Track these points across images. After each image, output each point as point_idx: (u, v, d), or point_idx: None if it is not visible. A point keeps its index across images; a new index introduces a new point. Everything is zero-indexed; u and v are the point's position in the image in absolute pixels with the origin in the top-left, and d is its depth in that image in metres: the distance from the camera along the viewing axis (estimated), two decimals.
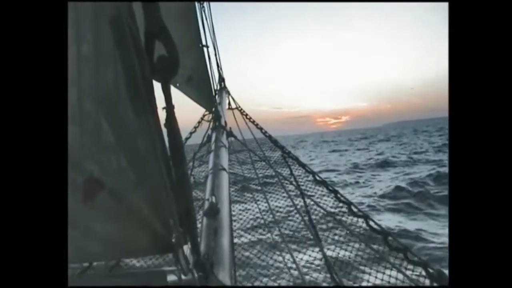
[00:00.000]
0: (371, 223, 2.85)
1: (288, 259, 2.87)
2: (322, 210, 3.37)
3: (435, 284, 2.27)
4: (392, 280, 2.63)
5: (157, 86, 1.05)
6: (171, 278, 1.16)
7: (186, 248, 1.15)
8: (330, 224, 3.38)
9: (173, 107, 1.09)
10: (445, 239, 7.99)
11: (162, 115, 1.06)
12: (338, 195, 3.28)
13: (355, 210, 3.05)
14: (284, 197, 3.68)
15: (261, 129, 4.62)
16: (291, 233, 3.66)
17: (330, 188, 3.43)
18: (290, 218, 3.83)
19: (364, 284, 3.06)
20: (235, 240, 3.68)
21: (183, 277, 1.14)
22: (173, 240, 1.07)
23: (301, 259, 3.22)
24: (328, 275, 3.01)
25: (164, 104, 1.08)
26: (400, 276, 2.49)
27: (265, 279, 3.50)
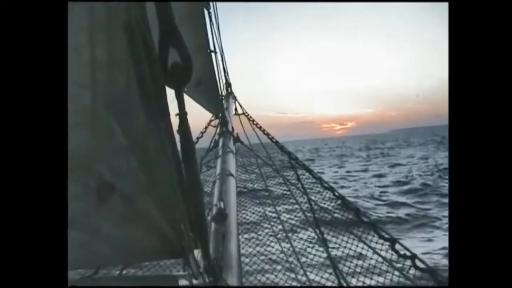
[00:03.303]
0: (379, 230, 2.84)
1: (296, 265, 2.87)
2: (329, 216, 3.36)
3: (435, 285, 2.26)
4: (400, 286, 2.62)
5: (169, 92, 1.06)
6: (182, 282, 1.16)
7: (197, 253, 1.15)
8: (337, 230, 3.37)
9: (186, 113, 1.09)
10: None
11: (174, 120, 1.07)
12: (345, 201, 3.27)
13: (362, 216, 3.04)
14: (291, 202, 3.68)
15: (267, 134, 4.62)
16: (298, 238, 3.65)
17: (337, 194, 3.43)
18: (296, 223, 3.82)
19: None
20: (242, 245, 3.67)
21: (194, 281, 1.14)
22: (184, 245, 1.07)
23: (308, 265, 3.21)
24: (336, 281, 3.00)
25: (177, 110, 1.09)
26: (408, 283, 2.47)
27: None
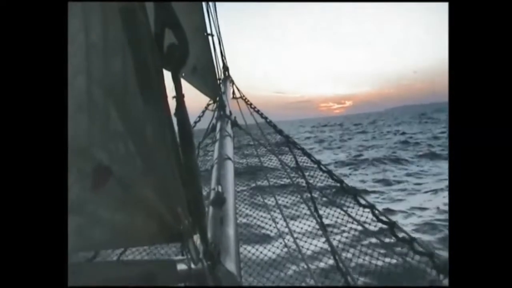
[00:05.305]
0: (377, 213, 2.85)
1: (294, 249, 2.88)
2: (327, 200, 3.37)
3: (438, 276, 2.28)
4: (398, 270, 2.64)
5: (166, 75, 1.04)
6: (180, 267, 1.16)
7: (195, 238, 1.15)
8: (336, 214, 3.38)
9: (183, 96, 1.08)
10: None
11: (171, 104, 1.06)
12: (344, 185, 3.28)
13: (361, 200, 3.05)
14: (289, 186, 3.68)
15: (265, 118, 4.60)
16: (296, 223, 3.66)
17: (336, 178, 3.43)
18: (296, 208, 3.83)
19: (370, 276, 3.07)
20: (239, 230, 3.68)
21: (192, 266, 1.14)
22: (182, 229, 1.07)
23: (307, 249, 3.23)
24: (334, 265, 3.02)
25: (173, 93, 1.07)
26: (406, 265, 2.49)
27: (270, 269, 3.51)
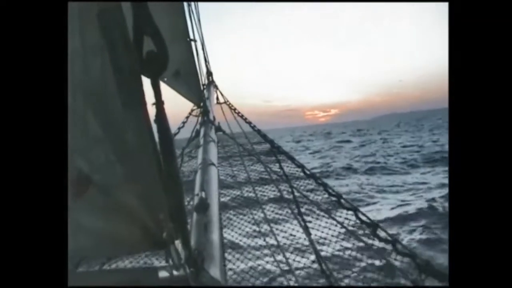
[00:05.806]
0: (360, 215, 2.87)
1: (279, 254, 2.88)
2: (311, 203, 3.38)
3: (420, 276, 2.30)
4: (381, 271, 2.66)
5: (146, 82, 1.04)
6: (163, 274, 1.16)
7: (178, 244, 1.15)
8: (319, 217, 3.39)
9: (162, 102, 1.08)
10: None
11: (151, 110, 1.05)
12: (328, 188, 3.29)
13: (344, 203, 3.07)
14: (273, 191, 3.69)
15: (249, 123, 4.60)
16: (280, 226, 3.67)
17: (320, 181, 3.44)
18: (279, 210, 3.83)
19: (354, 277, 3.09)
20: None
21: (174, 273, 1.14)
22: (164, 236, 1.06)
23: (291, 252, 3.23)
24: (318, 268, 3.03)
25: (153, 100, 1.07)
26: (389, 266, 2.52)
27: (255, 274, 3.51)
